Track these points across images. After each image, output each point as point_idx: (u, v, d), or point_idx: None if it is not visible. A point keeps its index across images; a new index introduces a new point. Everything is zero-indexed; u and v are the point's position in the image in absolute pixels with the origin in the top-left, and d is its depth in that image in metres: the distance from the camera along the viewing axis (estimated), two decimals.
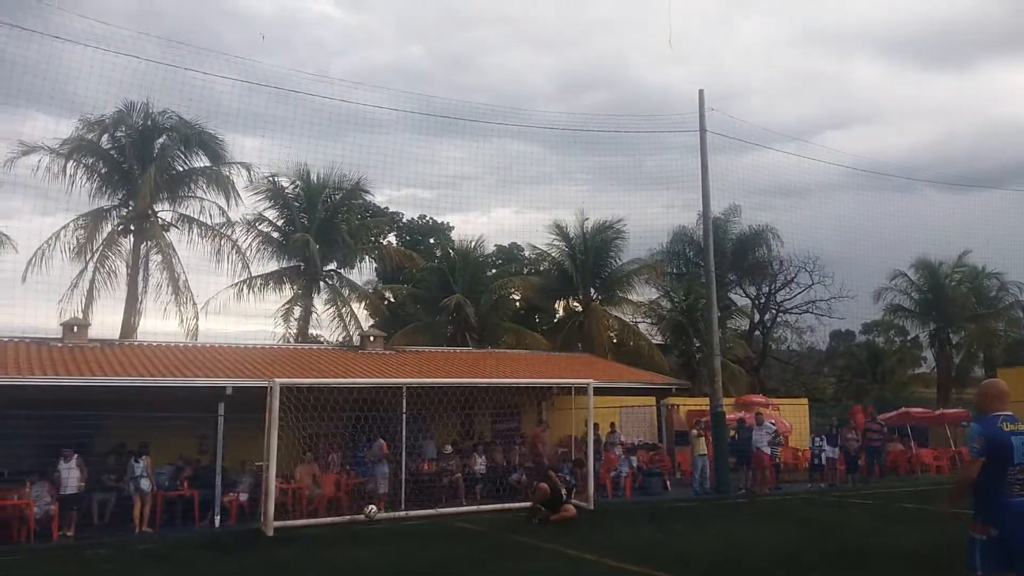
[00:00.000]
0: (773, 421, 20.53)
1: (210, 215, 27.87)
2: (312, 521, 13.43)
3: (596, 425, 17.54)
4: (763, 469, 18.38)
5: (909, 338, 43.34)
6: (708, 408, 19.61)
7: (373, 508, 13.31)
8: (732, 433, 18.98)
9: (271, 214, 30.27)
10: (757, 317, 40.28)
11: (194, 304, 27.25)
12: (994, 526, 5.39)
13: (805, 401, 29.75)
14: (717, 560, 9.65)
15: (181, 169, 27.76)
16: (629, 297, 32.76)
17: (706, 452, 18.37)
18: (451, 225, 44.12)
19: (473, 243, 33.25)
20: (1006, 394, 5.67)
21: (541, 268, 35.81)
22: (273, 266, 30.07)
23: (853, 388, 39.10)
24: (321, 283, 30.85)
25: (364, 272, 34.80)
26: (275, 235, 30.05)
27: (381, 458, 15.49)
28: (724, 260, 34.46)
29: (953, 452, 24.34)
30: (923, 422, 26.01)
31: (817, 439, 20.86)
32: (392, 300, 35.18)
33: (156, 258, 26.73)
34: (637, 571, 9.03)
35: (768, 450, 18.52)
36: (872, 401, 30.81)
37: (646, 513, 14.67)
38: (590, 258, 31.53)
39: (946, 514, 5.79)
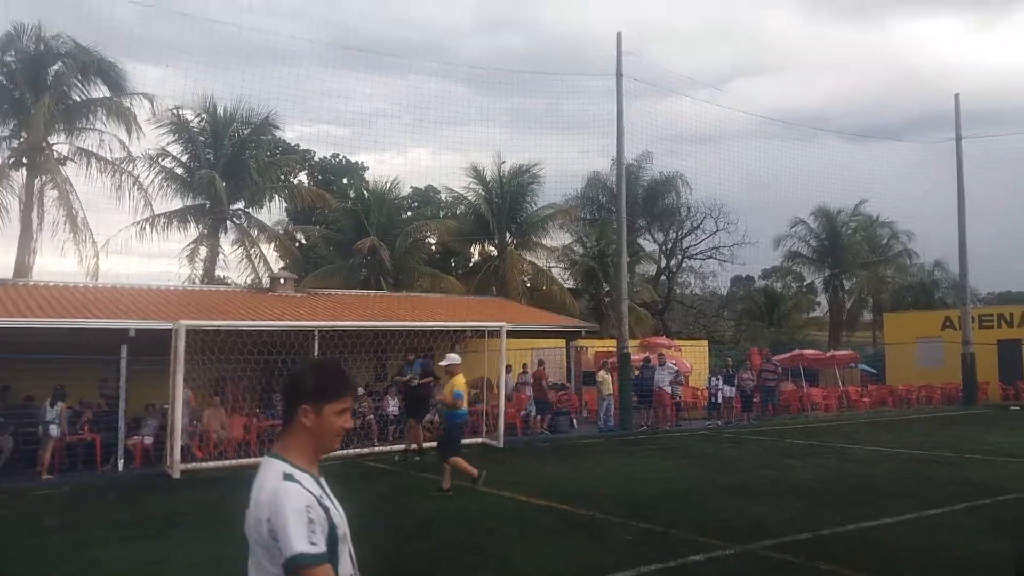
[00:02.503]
0: (675, 362, 21.41)
1: (110, 149, 26.49)
2: (220, 464, 13.36)
3: (508, 367, 17.93)
4: (664, 407, 19.24)
5: (805, 284, 45.50)
6: (615, 350, 20.26)
7: None
8: (636, 373, 19.73)
9: (175, 149, 29.01)
10: (664, 263, 41.43)
11: (94, 243, 26.10)
12: None
13: (705, 343, 31.01)
14: (619, 493, 10.17)
15: (78, 99, 26.14)
16: (543, 242, 33.16)
17: (612, 391, 19.08)
18: (365, 165, 43.36)
19: (388, 184, 32.80)
20: None
21: (457, 212, 35.71)
22: (177, 204, 28.94)
23: (751, 331, 40.89)
24: (228, 223, 29.94)
25: (274, 212, 33.92)
26: (179, 171, 28.88)
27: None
28: (635, 206, 35.16)
29: (841, 391, 25.99)
30: (815, 364, 27.61)
31: (715, 379, 21.89)
32: (303, 242, 34.53)
33: (52, 194, 25.36)
34: (543, 504, 9.45)
35: (669, 389, 19.42)
36: (768, 344, 32.38)
37: (552, 450, 15.21)
38: (506, 202, 31.63)
39: None
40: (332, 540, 2.12)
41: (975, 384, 26.25)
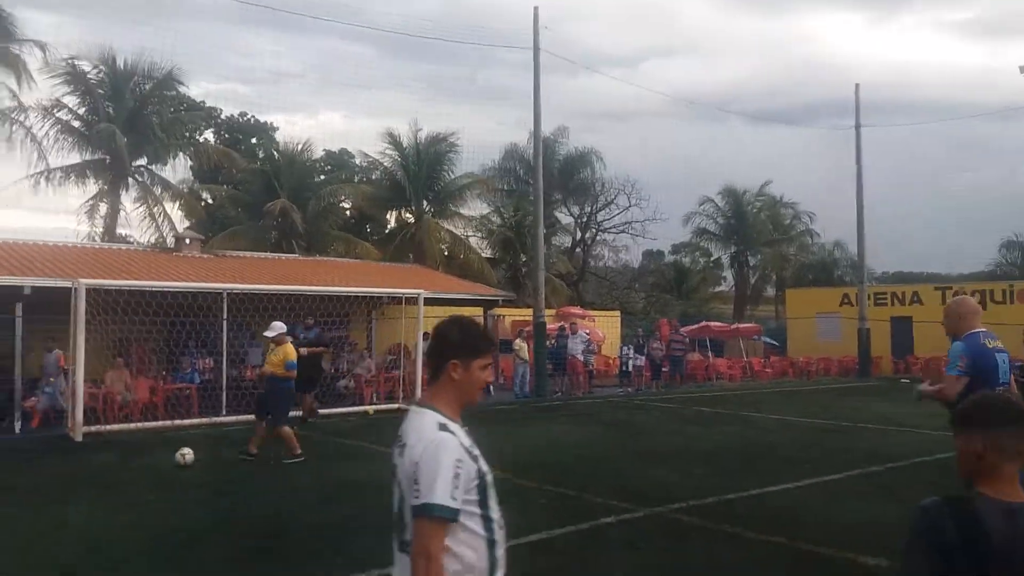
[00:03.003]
0: (587, 331, 21.80)
1: None
2: (124, 426, 12.89)
3: (426, 334, 17.86)
4: (577, 375, 19.60)
5: (712, 259, 47.04)
6: (531, 319, 20.46)
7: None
8: (551, 342, 20.01)
9: (71, 101, 27.42)
10: (579, 235, 41.97)
11: None
12: None
13: (618, 314, 31.68)
14: (534, 458, 10.33)
15: None
16: (461, 211, 33.03)
17: (527, 359, 19.31)
18: (275, 126, 42.04)
19: (300, 146, 31.94)
20: (979, 311, 5.17)
21: (373, 177, 35.12)
22: (75, 158, 27.46)
23: (661, 303, 42.02)
24: (130, 179, 28.63)
25: (178, 170, 32.57)
26: (76, 124, 27.35)
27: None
28: (551, 179, 35.35)
29: (745, 362, 27.05)
30: (720, 335, 28.64)
31: (626, 348, 22.40)
32: (210, 201, 33.32)
33: None
34: None
35: (581, 357, 19.79)
36: (677, 315, 33.35)
37: (468, 416, 15.28)
38: (423, 169, 31.28)
39: (924, 394, 5.19)
40: (482, 487, 2.28)
41: (869, 357, 27.74)
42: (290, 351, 10.20)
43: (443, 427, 2.30)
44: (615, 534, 6.70)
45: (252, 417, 11.02)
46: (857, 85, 28.79)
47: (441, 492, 2.15)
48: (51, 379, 13.97)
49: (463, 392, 2.43)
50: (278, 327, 10.25)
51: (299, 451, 9.79)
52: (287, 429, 9.95)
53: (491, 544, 2.31)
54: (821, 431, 13.38)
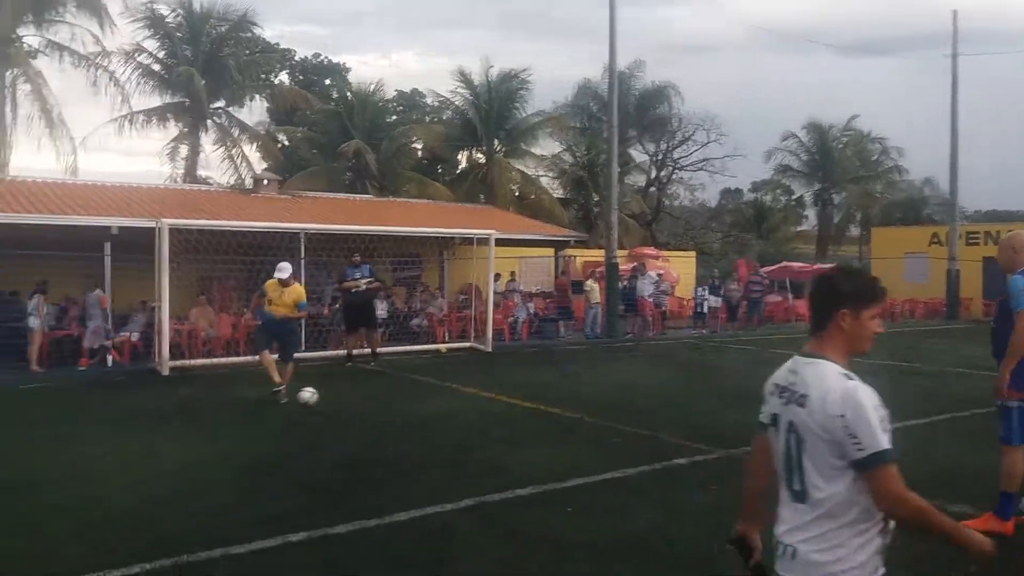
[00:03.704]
0: (661, 272, 21.45)
1: (83, 43, 25.56)
2: (208, 361, 13.38)
3: (497, 275, 17.89)
4: (645, 315, 19.36)
5: (794, 197, 45.44)
6: (603, 260, 20.24)
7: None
8: (623, 283, 19.78)
9: (151, 45, 28.02)
10: (654, 173, 41.06)
11: (71, 139, 25.52)
12: None
13: (693, 254, 31.09)
14: (606, 398, 10.28)
15: None
16: (532, 150, 32.67)
17: (599, 300, 19.16)
18: (348, 66, 42.16)
19: (373, 87, 31.95)
20: None
21: (444, 117, 34.96)
22: (156, 101, 28.21)
23: (739, 243, 41.04)
24: (208, 122, 29.24)
25: (255, 112, 33.16)
26: (156, 68, 27.96)
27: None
28: (626, 116, 34.50)
29: None
30: (801, 276, 27.79)
31: (701, 289, 21.99)
32: (286, 143, 33.82)
33: (24, 88, 24.57)
34: (532, 408, 9.54)
35: (651, 298, 19.51)
36: (755, 256, 32.51)
37: (540, 355, 15.34)
38: (494, 108, 30.93)
39: (1002, 392, 5.11)
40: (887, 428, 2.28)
41: (958, 299, 26.58)
42: (300, 292, 10.31)
43: (849, 376, 2.31)
44: (688, 474, 6.62)
45: (320, 353, 11.23)
46: (955, 11, 27.01)
47: (882, 438, 2.20)
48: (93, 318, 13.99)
49: (852, 342, 2.41)
50: (286, 268, 10.26)
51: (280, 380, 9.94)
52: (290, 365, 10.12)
53: None
54: (906, 374, 12.90)
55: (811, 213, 45.61)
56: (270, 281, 10.28)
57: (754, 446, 2.67)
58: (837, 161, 42.08)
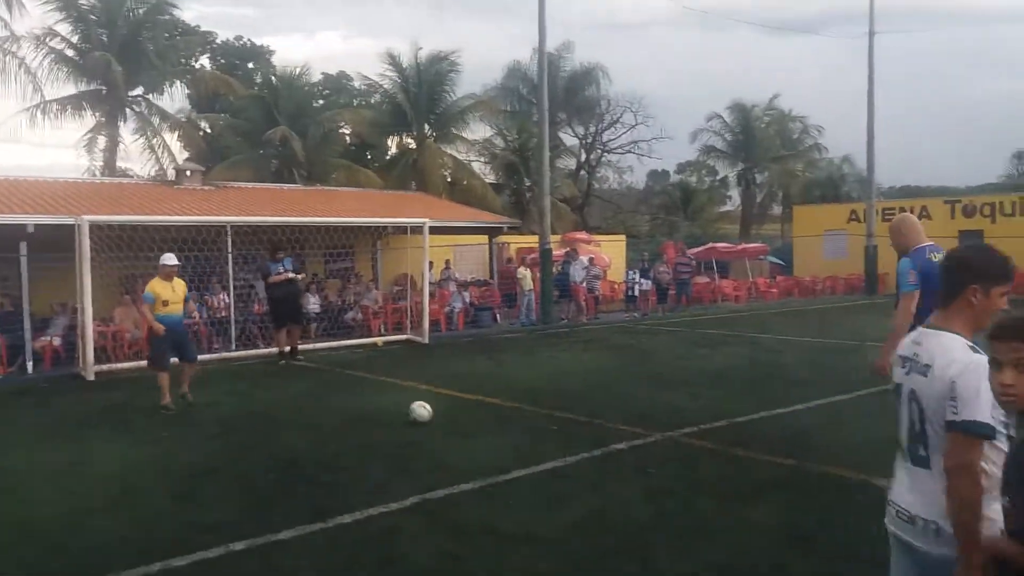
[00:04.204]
0: (590, 256, 21.72)
1: None
2: (135, 364, 12.94)
3: (431, 263, 17.81)
4: (579, 301, 19.61)
5: (719, 178, 46.49)
6: (537, 246, 20.36)
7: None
8: (556, 268, 19.95)
9: (63, 28, 26.83)
10: (583, 157, 41.42)
11: None
12: None
13: (623, 238, 31.54)
14: (543, 386, 10.40)
15: None
16: (463, 134, 32.53)
17: (532, 287, 19.29)
18: (272, 49, 41.16)
19: (298, 70, 31.26)
20: (920, 228, 5.45)
21: (372, 101, 34.50)
22: (71, 89, 27.04)
23: (667, 225, 41.80)
24: (127, 110, 28.22)
25: (175, 99, 32.09)
26: (70, 53, 26.78)
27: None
28: (556, 99, 34.67)
29: (751, 283, 27.02)
30: (726, 256, 28.51)
31: (631, 273, 22.35)
32: (209, 131, 32.88)
33: None
34: (472, 399, 9.59)
35: (584, 283, 19.76)
36: (683, 237, 33.19)
37: (477, 345, 15.38)
38: (424, 91, 30.66)
39: (880, 370, 5.24)
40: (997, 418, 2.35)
41: (877, 275, 27.66)
42: (182, 283, 9.71)
43: (975, 350, 2.40)
44: (627, 459, 6.76)
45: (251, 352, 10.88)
46: None
47: (983, 411, 2.27)
48: None
49: (979, 317, 2.48)
50: (172, 257, 9.70)
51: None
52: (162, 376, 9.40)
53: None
54: (829, 351, 13.42)
55: (735, 193, 46.80)
56: (155, 281, 9.46)
57: None
58: (759, 140, 43.18)
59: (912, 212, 31.18)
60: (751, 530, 5.03)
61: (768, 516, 5.27)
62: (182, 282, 9.78)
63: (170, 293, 9.45)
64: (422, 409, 8.24)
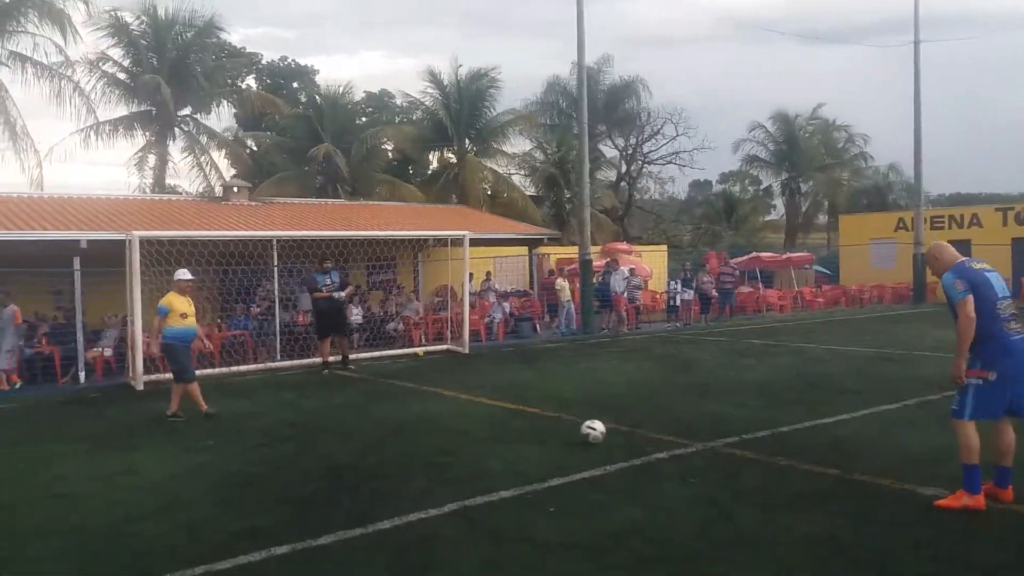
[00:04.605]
0: (633, 267, 21.63)
1: (46, 53, 25.22)
2: None
3: (471, 275, 17.91)
4: (619, 311, 19.53)
5: (762, 187, 46.00)
6: (577, 256, 20.34)
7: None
8: (597, 279, 19.91)
9: (115, 53, 27.75)
10: (624, 168, 41.31)
11: (36, 151, 25.14)
12: (994, 369, 5.24)
13: (665, 248, 31.32)
14: (583, 395, 10.37)
15: (6, 0, 24.61)
16: (504, 148, 32.74)
17: (570, 297, 19.28)
18: (316, 69, 41.97)
19: (341, 89, 31.82)
20: (955, 252, 5.63)
21: (414, 117, 34.91)
22: (122, 111, 27.93)
23: (709, 235, 41.37)
24: (176, 129, 28.97)
25: (223, 119, 32.94)
26: (122, 76, 27.67)
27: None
28: (595, 111, 34.70)
29: (796, 292, 26.60)
30: (771, 266, 28.15)
31: (673, 283, 22.20)
32: (255, 149, 33.58)
33: None
34: (512, 408, 9.60)
35: (625, 294, 19.68)
36: (726, 247, 32.84)
37: (517, 355, 15.40)
38: (464, 107, 30.94)
39: (957, 379, 5.39)
40: None
41: (925, 284, 27.05)
42: (165, 298, 9.77)
43: None
44: (668, 469, 6.70)
45: (295, 362, 10.97)
46: None
47: None
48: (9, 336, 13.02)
49: None
50: (186, 272, 9.99)
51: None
52: (188, 387, 9.65)
53: None
54: (876, 360, 13.13)
55: (779, 202, 46.23)
56: (171, 295, 9.67)
57: None
58: (803, 150, 42.62)
59: (963, 220, 30.61)
60: (793, 541, 4.95)
61: (811, 527, 5.17)
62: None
63: (187, 306, 9.70)
64: (593, 430, 7.50)
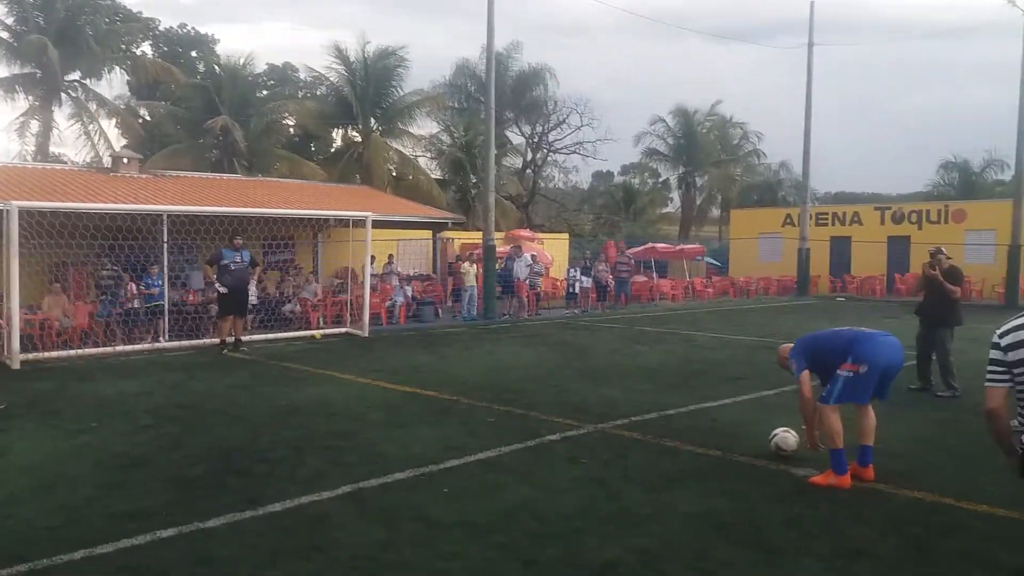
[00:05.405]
0: (533, 254, 21.93)
1: None
2: (63, 353, 12.66)
3: (373, 257, 17.75)
4: (521, 297, 19.80)
5: (660, 180, 47.32)
6: (481, 242, 20.45)
7: None
8: (500, 265, 20.09)
9: None
10: (529, 156, 41.68)
11: None
12: (865, 362, 5.81)
13: (566, 236, 31.86)
14: (481, 379, 10.50)
15: None
16: (410, 130, 32.45)
17: (475, 283, 19.39)
18: (216, 38, 40.49)
19: (242, 60, 30.77)
20: None
21: (318, 93, 34.16)
22: (3, 72, 26.15)
23: (609, 225, 42.32)
24: (63, 95, 27.40)
25: (115, 85, 31.34)
26: (4, 35, 25.90)
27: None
28: (503, 97, 34.83)
29: (687, 283, 27.57)
30: (665, 256, 29.07)
31: (573, 271, 22.65)
32: (148, 119, 32.11)
33: None
34: (409, 391, 9.63)
35: (526, 280, 19.97)
36: (624, 237, 33.68)
37: (417, 339, 15.40)
38: (371, 85, 30.47)
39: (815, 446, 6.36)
40: None
41: (808, 277, 28.54)
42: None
43: None
44: (560, 450, 6.90)
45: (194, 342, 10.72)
46: (812, 2, 28.67)
47: None
48: None
49: None
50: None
51: None
52: None
53: None
54: (760, 348, 13.80)
55: (676, 195, 47.70)
56: None
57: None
58: (701, 145, 44.11)
59: (845, 217, 32.31)
60: (676, 517, 5.21)
61: (692, 504, 5.46)
62: None
63: None
64: (789, 437, 6.67)
